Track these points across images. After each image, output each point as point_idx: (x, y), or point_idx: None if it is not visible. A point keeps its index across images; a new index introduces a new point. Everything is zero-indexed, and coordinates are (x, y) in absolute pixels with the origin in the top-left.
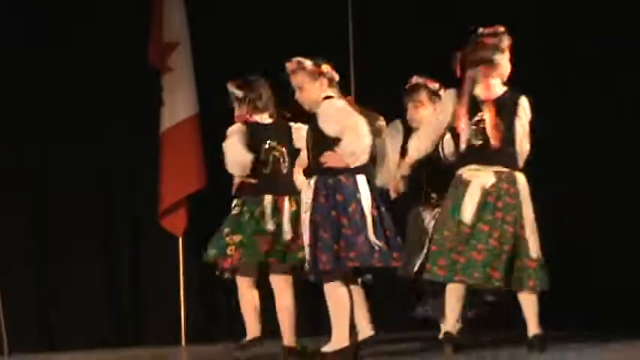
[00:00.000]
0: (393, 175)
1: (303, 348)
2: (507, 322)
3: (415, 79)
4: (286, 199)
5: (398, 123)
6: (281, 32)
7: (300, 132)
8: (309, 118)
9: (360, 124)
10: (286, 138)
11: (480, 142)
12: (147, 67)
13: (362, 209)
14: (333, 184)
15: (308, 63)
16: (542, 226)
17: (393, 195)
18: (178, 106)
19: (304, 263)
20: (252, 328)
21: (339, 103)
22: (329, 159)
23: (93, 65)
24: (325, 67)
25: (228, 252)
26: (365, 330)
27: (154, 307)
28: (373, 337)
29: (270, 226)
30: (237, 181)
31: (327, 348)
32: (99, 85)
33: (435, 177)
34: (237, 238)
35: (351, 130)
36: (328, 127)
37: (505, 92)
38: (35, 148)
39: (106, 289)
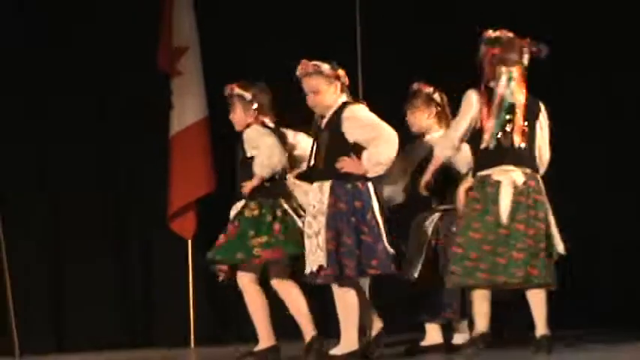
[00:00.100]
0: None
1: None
2: (512, 322)
3: (413, 86)
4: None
5: None
6: (289, 36)
7: (296, 138)
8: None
9: (394, 135)
10: (284, 142)
11: (510, 143)
12: (148, 67)
13: (376, 216)
14: (351, 190)
15: (326, 67)
16: None
17: (424, 193)
18: (188, 109)
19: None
20: (268, 334)
21: (366, 111)
22: (347, 165)
23: (93, 65)
24: (341, 72)
25: (255, 253)
26: (376, 324)
27: (163, 309)
28: (383, 329)
29: (300, 223)
30: (256, 182)
31: (336, 351)
32: (99, 85)
33: (436, 183)
34: (262, 239)
35: (385, 142)
36: (355, 134)
37: (528, 96)
38: (35, 148)
39: (116, 291)
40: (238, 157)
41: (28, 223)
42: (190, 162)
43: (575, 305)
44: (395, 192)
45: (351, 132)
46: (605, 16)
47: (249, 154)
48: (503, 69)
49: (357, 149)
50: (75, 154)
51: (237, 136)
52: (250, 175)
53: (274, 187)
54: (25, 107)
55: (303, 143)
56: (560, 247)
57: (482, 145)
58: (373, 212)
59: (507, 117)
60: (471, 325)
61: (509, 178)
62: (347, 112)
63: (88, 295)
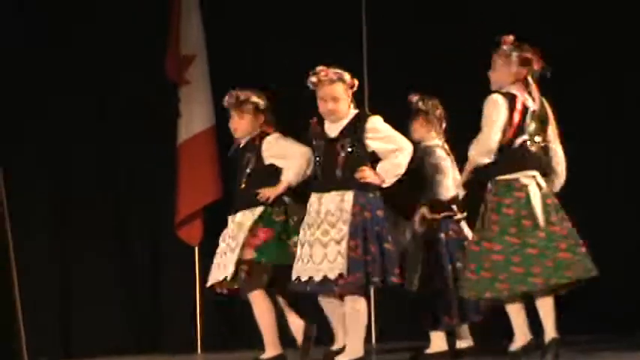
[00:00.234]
0: None
1: None
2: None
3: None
4: None
5: None
6: (297, 45)
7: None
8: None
9: (411, 148)
10: None
11: (532, 148)
12: (148, 67)
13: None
14: (373, 199)
15: (347, 76)
16: None
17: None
18: (195, 118)
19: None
20: (275, 343)
21: (384, 122)
22: (368, 175)
23: (93, 65)
24: (356, 82)
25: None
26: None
27: (170, 316)
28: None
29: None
30: (282, 189)
31: (341, 357)
32: (99, 85)
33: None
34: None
35: (404, 154)
36: (375, 145)
37: (541, 101)
38: (35, 148)
39: (124, 297)
40: (244, 164)
41: (35, 227)
42: (198, 170)
43: (586, 310)
44: None
45: (372, 142)
46: (606, 16)
47: (267, 162)
48: (528, 74)
49: (375, 160)
50: (75, 155)
51: (245, 145)
52: (267, 183)
53: (296, 194)
54: (25, 107)
55: None
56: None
57: (503, 150)
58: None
59: (529, 122)
60: (471, 330)
61: (534, 182)
62: (370, 123)
63: (95, 301)
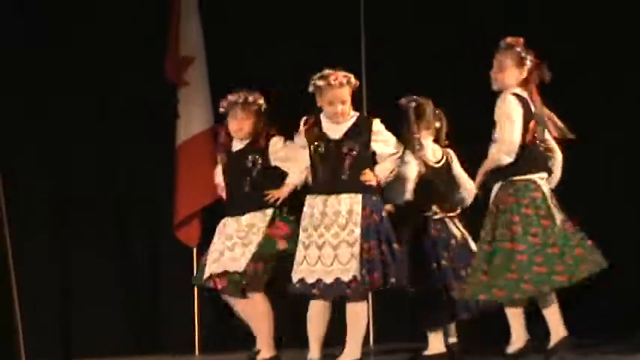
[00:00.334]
0: None
1: None
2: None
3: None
4: None
5: None
6: (296, 47)
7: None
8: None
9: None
10: None
11: (539, 148)
12: (148, 67)
13: None
14: (377, 201)
15: (353, 78)
16: None
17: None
18: (194, 119)
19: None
20: (269, 344)
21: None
22: (370, 177)
23: (93, 65)
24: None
25: None
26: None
27: (169, 316)
28: None
29: None
30: (288, 191)
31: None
32: (99, 85)
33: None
34: None
35: (399, 157)
36: (379, 147)
37: None
38: (35, 148)
39: (122, 297)
40: (248, 166)
41: (35, 227)
42: (196, 171)
43: (586, 311)
44: None
45: (376, 145)
46: (605, 17)
47: (274, 164)
48: (534, 78)
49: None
50: (75, 155)
51: (246, 146)
52: (274, 184)
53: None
54: (25, 107)
55: None
56: None
57: (519, 150)
58: None
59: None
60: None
61: (544, 183)
62: (375, 126)
63: (95, 301)
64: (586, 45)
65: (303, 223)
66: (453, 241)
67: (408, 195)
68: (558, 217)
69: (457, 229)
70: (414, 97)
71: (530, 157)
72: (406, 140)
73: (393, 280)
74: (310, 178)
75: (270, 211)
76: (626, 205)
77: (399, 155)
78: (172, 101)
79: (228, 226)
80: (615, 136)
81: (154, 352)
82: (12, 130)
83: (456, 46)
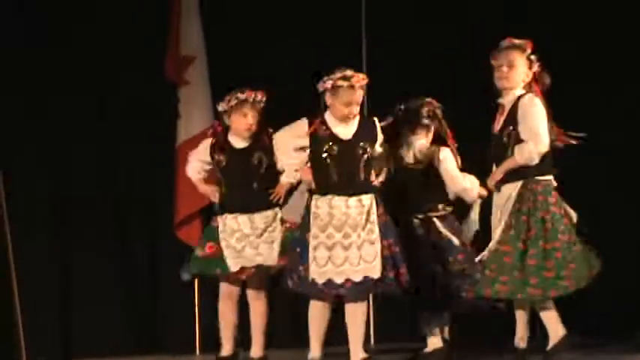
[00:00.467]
0: None
1: None
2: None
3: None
4: None
5: None
6: (296, 46)
7: None
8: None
9: None
10: None
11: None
12: (148, 67)
13: None
14: (381, 201)
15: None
16: None
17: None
18: (194, 119)
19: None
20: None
21: None
22: (383, 177)
23: (93, 65)
24: None
25: None
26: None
27: (169, 316)
28: None
29: None
30: (286, 189)
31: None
32: (99, 85)
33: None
34: None
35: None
36: (379, 148)
37: None
38: (35, 148)
39: (123, 297)
40: (254, 164)
41: (35, 227)
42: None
43: (586, 311)
44: None
45: (378, 146)
46: (605, 17)
47: (276, 161)
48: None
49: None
50: (75, 155)
51: (251, 144)
52: (275, 182)
53: None
54: (25, 107)
55: None
56: None
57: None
58: None
59: None
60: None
61: None
62: (378, 127)
63: (94, 302)
64: (586, 45)
65: (320, 224)
66: (437, 241)
67: None
68: (574, 215)
69: (441, 229)
70: (414, 98)
71: (548, 157)
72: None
73: (405, 283)
74: (307, 179)
75: (277, 210)
76: (626, 205)
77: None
78: (173, 101)
79: (242, 223)
80: (615, 136)
81: (154, 352)
82: (12, 130)
83: (455, 46)
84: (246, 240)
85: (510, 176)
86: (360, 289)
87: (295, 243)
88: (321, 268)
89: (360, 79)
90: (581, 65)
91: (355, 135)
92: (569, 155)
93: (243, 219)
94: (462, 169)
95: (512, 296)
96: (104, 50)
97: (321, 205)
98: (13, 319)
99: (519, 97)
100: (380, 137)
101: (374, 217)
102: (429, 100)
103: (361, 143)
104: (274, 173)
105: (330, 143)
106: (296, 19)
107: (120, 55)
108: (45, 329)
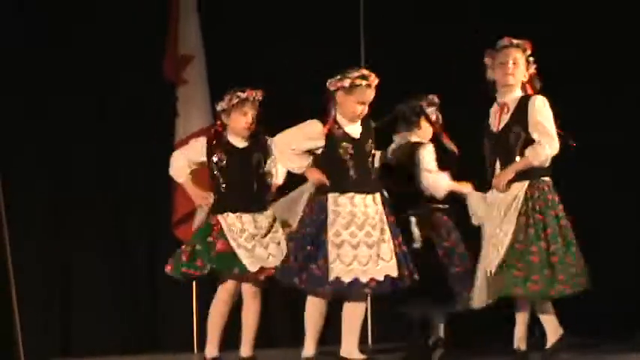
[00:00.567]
0: None
1: None
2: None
3: None
4: None
5: None
6: (294, 45)
7: None
8: None
9: None
10: None
11: None
12: (148, 67)
13: None
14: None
15: None
16: None
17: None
18: (193, 118)
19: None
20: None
21: None
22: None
23: (93, 65)
24: None
25: None
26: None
27: (168, 315)
28: None
29: None
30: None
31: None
32: (99, 85)
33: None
34: None
35: None
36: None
37: None
38: (35, 148)
39: (121, 296)
40: (253, 164)
41: (35, 227)
42: (194, 169)
43: (586, 311)
44: None
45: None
46: (605, 16)
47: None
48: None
49: None
50: (75, 155)
51: (251, 145)
52: (267, 184)
53: None
54: (25, 107)
55: None
56: None
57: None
58: None
59: None
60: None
61: None
62: (372, 126)
63: (93, 300)
64: (586, 45)
65: (342, 222)
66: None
67: None
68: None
69: (416, 229)
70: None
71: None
72: None
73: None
74: (317, 178)
75: (271, 211)
76: (626, 205)
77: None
78: (171, 100)
79: (246, 223)
80: (615, 136)
81: (153, 352)
82: (12, 130)
83: (455, 46)
84: (254, 239)
85: (517, 176)
86: (383, 288)
87: (303, 241)
88: (348, 266)
89: (375, 79)
90: (581, 65)
91: (362, 134)
92: (570, 155)
93: (247, 218)
94: (453, 168)
95: (544, 294)
96: (104, 50)
97: (343, 203)
98: (12, 318)
99: (526, 98)
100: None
101: (384, 216)
102: (419, 96)
103: (369, 141)
104: (267, 175)
105: (346, 142)
106: (294, 19)
107: (120, 55)
108: (44, 329)
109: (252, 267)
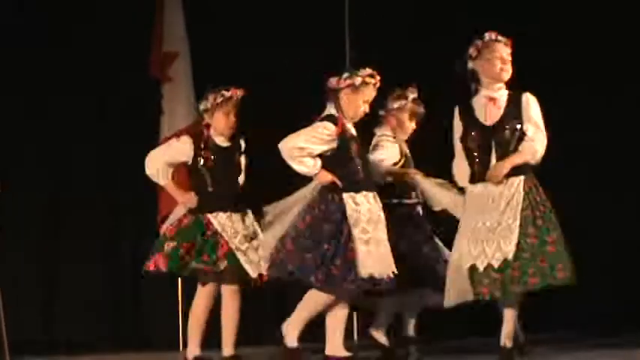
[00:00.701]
0: None
1: None
2: None
3: None
4: None
5: None
6: (279, 43)
7: None
8: None
9: None
10: None
11: None
12: (148, 68)
13: None
14: None
15: None
16: None
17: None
18: (178, 115)
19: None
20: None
21: None
22: None
23: (93, 65)
24: None
25: None
26: None
27: (153, 312)
28: None
29: None
30: None
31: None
32: (99, 85)
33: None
34: None
35: None
36: None
37: None
38: (35, 148)
39: (107, 293)
40: (236, 164)
41: (35, 227)
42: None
43: (589, 312)
44: None
45: None
46: (604, 16)
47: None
48: None
49: None
50: (75, 155)
51: (232, 145)
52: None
53: None
54: (25, 107)
55: None
56: None
57: None
58: None
59: None
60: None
61: None
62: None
63: (79, 298)
64: (585, 45)
65: (364, 219)
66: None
67: None
68: None
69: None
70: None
71: None
72: None
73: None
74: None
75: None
76: (625, 205)
77: None
78: (156, 97)
79: (235, 222)
80: (614, 136)
81: (138, 349)
82: (12, 130)
83: (441, 45)
84: (246, 241)
85: (513, 170)
86: (392, 285)
87: (321, 239)
88: (378, 262)
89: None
90: (580, 65)
91: (357, 134)
92: (570, 155)
93: (236, 217)
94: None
95: (572, 280)
96: (104, 50)
97: (360, 201)
98: None
99: (517, 93)
100: None
101: (381, 214)
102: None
103: (361, 142)
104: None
105: (354, 142)
106: (278, 18)
107: (120, 55)
108: (29, 326)
109: (253, 273)
